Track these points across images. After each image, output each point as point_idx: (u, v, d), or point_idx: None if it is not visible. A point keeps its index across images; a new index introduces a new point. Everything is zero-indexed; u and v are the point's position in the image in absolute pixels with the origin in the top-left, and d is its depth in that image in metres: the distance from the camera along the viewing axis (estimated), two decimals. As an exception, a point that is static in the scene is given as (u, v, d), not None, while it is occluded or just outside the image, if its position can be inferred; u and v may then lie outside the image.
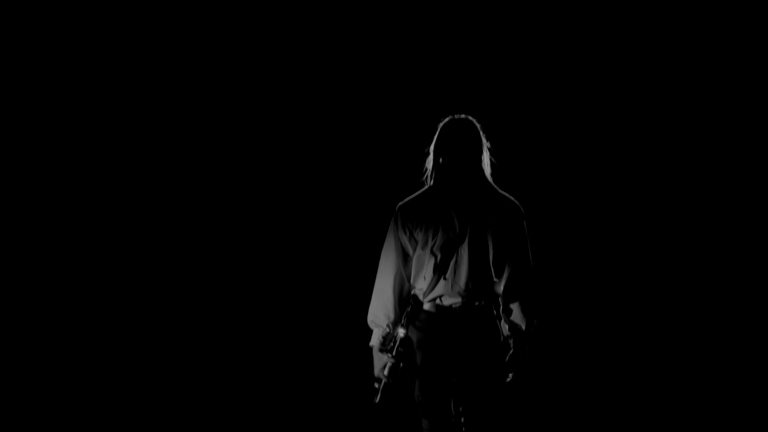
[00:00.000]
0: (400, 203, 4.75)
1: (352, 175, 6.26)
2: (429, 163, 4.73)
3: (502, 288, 4.68)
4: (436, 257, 4.64)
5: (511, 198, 4.73)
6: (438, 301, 4.66)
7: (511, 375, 4.59)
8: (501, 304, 4.68)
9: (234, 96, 6.06)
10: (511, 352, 4.62)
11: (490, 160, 4.73)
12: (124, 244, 5.89)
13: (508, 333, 4.67)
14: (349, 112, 6.21)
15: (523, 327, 4.65)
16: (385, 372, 4.58)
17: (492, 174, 4.72)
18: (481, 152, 4.69)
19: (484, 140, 4.70)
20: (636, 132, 6.09)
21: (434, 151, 4.72)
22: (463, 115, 4.73)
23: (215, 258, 6.03)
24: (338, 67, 6.16)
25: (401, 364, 4.56)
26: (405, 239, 4.70)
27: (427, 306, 4.68)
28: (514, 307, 4.67)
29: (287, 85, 6.11)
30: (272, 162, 6.11)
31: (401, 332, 4.60)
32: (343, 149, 6.25)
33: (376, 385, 4.60)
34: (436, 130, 4.74)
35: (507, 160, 4.82)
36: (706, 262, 5.95)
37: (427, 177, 4.75)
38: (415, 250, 4.69)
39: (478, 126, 4.71)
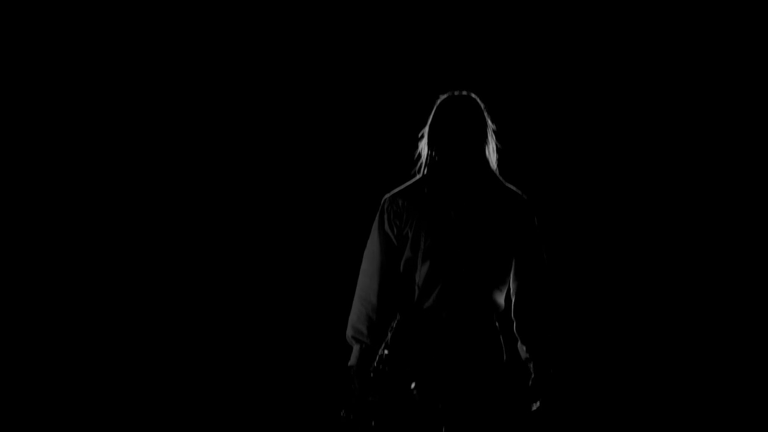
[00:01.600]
0: (387, 195, 4.09)
1: (335, 163, 5.81)
2: (423, 149, 4.07)
3: (514, 301, 4.05)
4: (430, 260, 3.97)
5: (518, 191, 4.07)
6: (431, 313, 3.99)
7: (537, 404, 3.95)
8: (514, 320, 4.04)
9: (215, 89, 5.79)
10: (532, 377, 3.97)
11: (496, 146, 4.07)
12: (110, 242, 5.77)
13: (527, 354, 4.00)
14: (331, 95, 5.81)
15: (545, 345, 3.98)
16: (356, 402, 3.95)
17: (498, 163, 4.09)
18: (485, 137, 4.02)
19: (489, 123, 4.04)
20: (646, 128, 5.82)
21: (429, 134, 4.06)
22: (464, 92, 4.08)
23: (206, 256, 5.81)
24: (320, 51, 5.81)
25: (378, 396, 3.89)
26: (393, 238, 4.02)
27: (418, 319, 4.00)
28: (531, 322, 4.01)
29: (268, 72, 5.81)
30: (259, 155, 5.83)
31: (387, 349, 3.94)
32: (325, 133, 5.85)
33: (343, 414, 3.94)
34: (432, 109, 4.10)
35: (513, 152, 4.28)
36: (709, 262, 5.77)
37: (420, 165, 4.10)
38: (404, 251, 4.01)
39: (482, 105, 4.06)
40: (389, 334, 3.94)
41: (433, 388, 3.91)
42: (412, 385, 3.83)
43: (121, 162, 5.75)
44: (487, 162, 4.07)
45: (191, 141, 5.80)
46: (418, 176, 4.10)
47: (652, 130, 5.77)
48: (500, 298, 4.03)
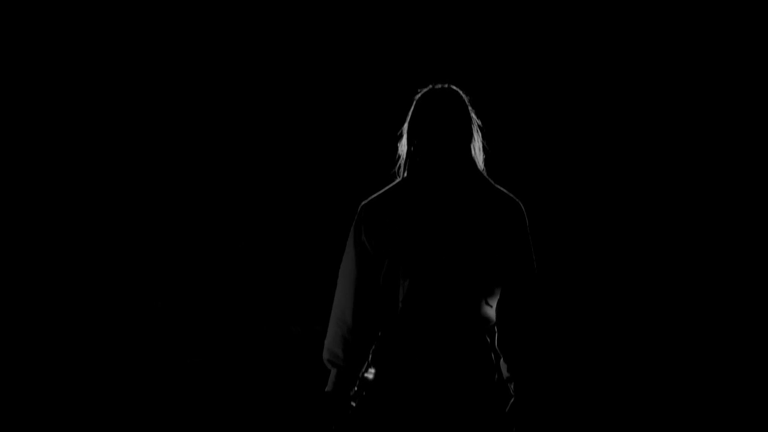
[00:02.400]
0: (364, 202, 3.77)
1: (311, 165, 5.75)
2: (402, 149, 3.78)
3: (500, 313, 3.71)
4: (413, 274, 3.67)
5: (510, 195, 3.74)
6: (415, 331, 3.67)
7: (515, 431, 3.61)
8: (497, 332, 3.71)
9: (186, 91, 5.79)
10: (512, 400, 3.65)
11: (483, 145, 3.76)
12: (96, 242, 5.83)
13: (508, 374, 3.68)
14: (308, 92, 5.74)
15: (528, 365, 3.65)
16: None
17: (486, 163, 3.78)
18: (470, 134, 3.73)
19: (474, 118, 3.74)
20: (637, 129, 5.81)
21: (408, 132, 3.76)
22: (446, 85, 3.77)
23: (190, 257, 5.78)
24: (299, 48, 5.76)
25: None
26: (370, 250, 3.69)
27: (401, 338, 3.68)
28: (515, 338, 3.67)
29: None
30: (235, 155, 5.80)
31: (369, 373, 3.64)
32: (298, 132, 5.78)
33: None
34: (411, 104, 3.80)
35: (502, 151, 4.10)
36: (705, 262, 5.86)
37: (399, 167, 3.80)
38: (384, 264, 3.69)
39: (466, 99, 3.76)
40: (370, 356, 3.68)
41: (419, 413, 3.60)
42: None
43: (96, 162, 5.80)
44: (473, 162, 3.76)
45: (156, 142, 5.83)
46: (397, 179, 3.79)
47: (645, 131, 5.81)
48: (490, 312, 3.70)
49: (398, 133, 3.79)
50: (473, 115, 3.77)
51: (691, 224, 5.87)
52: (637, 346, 5.83)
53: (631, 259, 5.84)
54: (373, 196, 3.75)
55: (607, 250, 5.83)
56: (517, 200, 3.75)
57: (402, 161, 3.77)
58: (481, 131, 3.76)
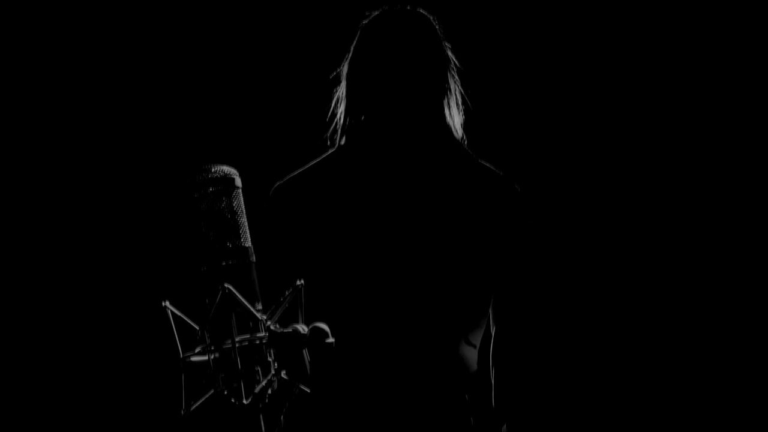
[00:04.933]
0: (278, 183, 2.64)
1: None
2: (339, 103, 2.67)
3: (491, 357, 2.60)
4: (355, 290, 2.47)
5: (501, 174, 2.67)
6: (358, 377, 2.45)
7: None
8: (492, 366, 2.61)
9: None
10: None
11: (462, 100, 2.67)
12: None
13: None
14: None
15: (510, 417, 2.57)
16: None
17: (465, 128, 2.67)
18: (444, 85, 2.63)
19: (451, 60, 2.66)
20: (637, 128, 5.34)
21: (349, 79, 2.64)
22: (407, 6, 2.67)
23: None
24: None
25: None
26: (289, 256, 2.50)
27: (341, 368, 2.43)
28: (512, 385, 2.56)
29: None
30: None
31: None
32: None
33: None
34: (354, 37, 2.68)
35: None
36: (705, 263, 5.41)
37: (333, 131, 2.67)
38: (310, 275, 2.30)
39: (439, 30, 2.69)
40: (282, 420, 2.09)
41: None
42: None
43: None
44: (447, 126, 2.63)
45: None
46: (330, 150, 2.64)
47: (646, 131, 5.38)
48: (471, 354, 2.53)
49: (331, 77, 2.69)
50: (450, 54, 2.68)
51: (691, 224, 5.43)
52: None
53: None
54: (293, 174, 2.62)
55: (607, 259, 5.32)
56: (512, 182, 2.63)
57: (338, 122, 2.65)
58: (459, 86, 2.68)
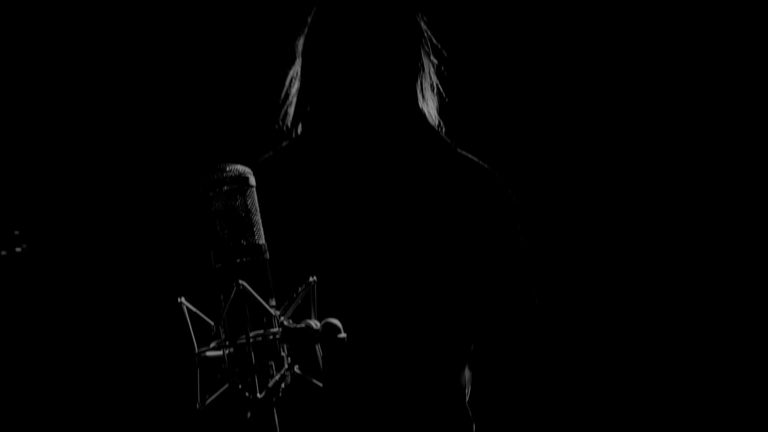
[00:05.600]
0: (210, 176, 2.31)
1: None
2: (293, 84, 2.34)
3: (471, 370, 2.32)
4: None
5: (486, 166, 2.36)
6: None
7: None
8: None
9: None
10: None
11: (437, 85, 2.34)
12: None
13: None
14: None
15: None
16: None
17: (441, 115, 2.37)
18: (416, 63, 2.29)
19: (426, 37, 2.32)
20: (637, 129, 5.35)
21: (305, 56, 2.31)
22: None
23: None
24: None
25: None
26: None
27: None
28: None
29: None
30: None
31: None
32: None
33: None
34: (310, 7, 2.36)
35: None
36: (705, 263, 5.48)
37: (285, 116, 2.35)
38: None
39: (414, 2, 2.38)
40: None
41: None
42: None
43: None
44: (420, 111, 2.30)
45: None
46: (284, 142, 2.37)
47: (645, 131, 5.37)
48: (462, 377, 2.28)
49: (286, 54, 2.36)
50: (425, 27, 2.33)
51: (690, 225, 5.43)
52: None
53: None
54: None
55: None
56: (496, 174, 2.33)
57: (291, 107, 2.34)
58: (434, 67, 2.33)
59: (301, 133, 2.33)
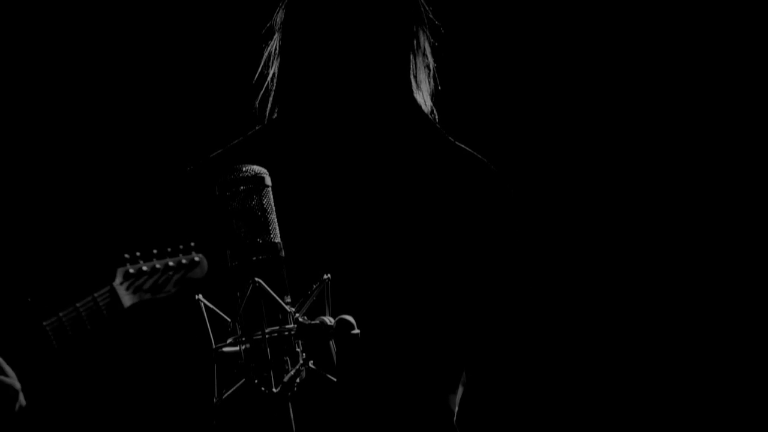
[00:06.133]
0: (191, 167, 2.23)
1: None
2: (272, 62, 2.13)
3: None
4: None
5: (479, 157, 2.18)
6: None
7: None
8: None
9: None
10: None
11: (432, 67, 2.14)
12: None
13: None
14: None
15: None
16: None
17: (433, 103, 2.16)
18: (410, 42, 2.08)
19: (424, 12, 2.11)
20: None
21: (285, 32, 2.09)
22: None
23: None
24: None
25: None
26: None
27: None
28: None
29: None
30: None
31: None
32: None
33: None
34: None
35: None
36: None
37: (263, 99, 2.16)
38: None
39: None
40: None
41: None
42: None
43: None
44: (412, 96, 2.09)
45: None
46: (257, 126, 2.20)
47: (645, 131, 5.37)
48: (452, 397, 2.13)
49: (263, 31, 2.13)
50: (422, 2, 2.10)
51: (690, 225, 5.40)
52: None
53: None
54: (212, 155, 2.20)
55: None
56: (492, 168, 2.16)
57: (269, 86, 2.13)
58: (428, 52, 2.09)
59: (277, 117, 2.13)
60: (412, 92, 2.11)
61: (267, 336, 1.88)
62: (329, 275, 1.90)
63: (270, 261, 1.89)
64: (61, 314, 3.40)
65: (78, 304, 3.51)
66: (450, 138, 2.18)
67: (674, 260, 5.42)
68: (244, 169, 1.90)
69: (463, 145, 2.19)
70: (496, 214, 2.14)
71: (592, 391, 5.34)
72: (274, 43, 2.11)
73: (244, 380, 1.90)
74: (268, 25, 2.14)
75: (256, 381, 1.88)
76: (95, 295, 3.53)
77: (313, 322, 1.88)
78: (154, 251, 3.65)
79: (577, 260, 5.17)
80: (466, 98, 3.64)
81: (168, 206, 2.42)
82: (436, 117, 2.18)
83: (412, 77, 2.10)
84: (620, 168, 5.38)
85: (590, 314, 5.27)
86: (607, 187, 5.35)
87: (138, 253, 3.77)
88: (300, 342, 1.88)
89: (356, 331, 1.89)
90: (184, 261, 3.65)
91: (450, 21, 2.34)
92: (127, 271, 3.62)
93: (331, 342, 1.88)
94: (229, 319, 1.92)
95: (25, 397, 2.85)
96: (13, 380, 2.46)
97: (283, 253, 1.91)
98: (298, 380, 1.89)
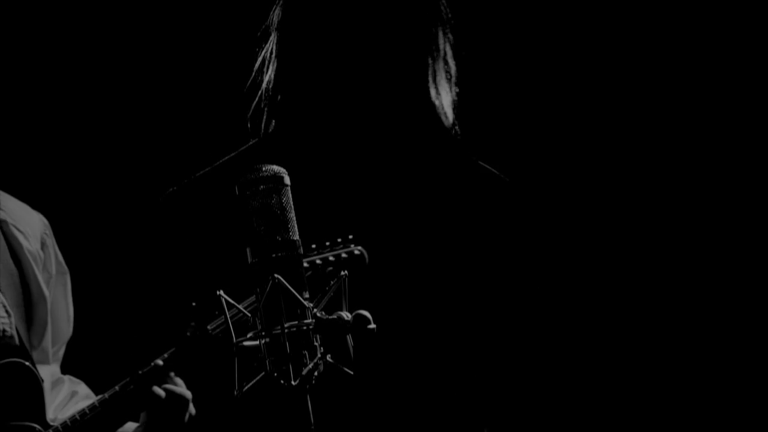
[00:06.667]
0: (173, 189, 2.08)
1: None
2: (267, 68, 1.89)
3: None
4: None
5: (505, 178, 2.00)
6: None
7: None
8: None
9: None
10: None
11: (454, 73, 1.90)
12: None
13: None
14: None
15: None
16: None
17: (459, 119, 1.93)
18: (430, 46, 1.83)
19: (445, 12, 1.88)
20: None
21: (283, 32, 1.85)
22: None
23: None
24: None
25: None
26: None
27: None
28: None
29: None
30: None
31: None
32: None
33: None
34: None
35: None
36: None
37: (256, 111, 1.95)
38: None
39: None
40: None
41: None
42: None
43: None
44: (433, 107, 1.86)
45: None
46: (251, 141, 2.03)
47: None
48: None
49: (258, 35, 1.90)
50: (446, 13, 1.85)
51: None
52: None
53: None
54: (197, 175, 2.06)
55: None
56: (521, 191, 1.97)
57: (263, 96, 1.90)
58: (452, 58, 1.84)
59: (274, 130, 1.90)
60: (431, 101, 1.86)
61: (286, 330, 1.93)
62: (346, 272, 1.95)
63: (289, 258, 1.94)
64: (227, 315, 3.24)
65: (242, 305, 3.38)
66: (474, 158, 1.93)
67: (674, 260, 5.40)
68: (264, 168, 1.94)
69: (488, 166, 1.95)
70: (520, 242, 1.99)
71: (592, 391, 5.37)
72: (270, 46, 1.87)
73: (263, 373, 1.95)
74: (263, 26, 1.91)
75: (275, 374, 1.93)
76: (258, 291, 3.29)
77: (330, 317, 1.94)
78: (313, 246, 3.48)
79: (577, 260, 5.23)
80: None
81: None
82: (458, 130, 1.92)
83: (431, 84, 1.86)
84: (620, 168, 5.38)
85: (591, 314, 5.29)
86: (607, 187, 5.36)
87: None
88: (318, 336, 1.93)
89: (372, 325, 1.95)
90: (344, 255, 3.48)
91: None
92: None
93: (348, 336, 1.93)
94: (249, 314, 1.97)
95: (195, 406, 2.67)
96: (183, 389, 2.34)
97: (301, 250, 1.95)
98: (316, 373, 1.93)
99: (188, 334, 2.44)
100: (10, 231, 2.41)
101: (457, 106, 1.90)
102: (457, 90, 1.91)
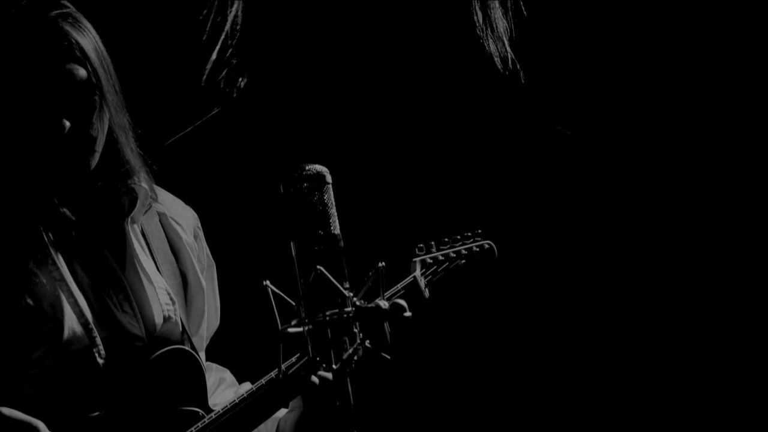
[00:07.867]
0: None
1: None
2: (223, 27, 1.76)
3: None
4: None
5: (564, 131, 1.99)
6: None
7: None
8: None
9: None
10: None
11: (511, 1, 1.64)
12: None
13: None
14: None
15: None
16: None
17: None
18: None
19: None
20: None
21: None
22: None
23: None
24: None
25: None
26: None
27: None
28: None
29: None
30: None
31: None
32: None
33: None
34: None
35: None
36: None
37: (212, 73, 1.87)
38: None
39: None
40: None
41: None
42: None
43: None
44: (479, 48, 1.57)
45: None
46: (214, 110, 2.06)
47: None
48: None
49: None
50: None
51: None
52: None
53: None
54: (167, 143, 2.14)
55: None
56: (579, 143, 1.90)
57: (227, 43, 1.74)
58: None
59: (241, 94, 1.70)
60: (479, 37, 1.51)
61: (327, 318, 2.07)
62: (383, 263, 2.09)
63: (330, 250, 2.08)
64: (274, 304, 3.26)
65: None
66: (544, 116, 1.65)
67: (674, 260, 5.23)
68: (307, 167, 2.09)
69: (560, 128, 1.68)
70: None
71: (591, 391, 5.35)
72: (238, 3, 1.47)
73: (306, 358, 2.09)
74: None
75: (317, 359, 2.08)
76: (399, 286, 3.26)
77: (369, 305, 2.08)
78: (445, 239, 3.41)
79: (578, 260, 5.30)
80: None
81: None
82: (522, 75, 1.59)
83: (477, 15, 1.50)
84: (620, 168, 5.35)
85: (590, 314, 5.31)
86: (607, 188, 5.34)
87: (432, 243, 3.52)
88: (357, 323, 2.07)
89: (408, 313, 2.09)
90: (475, 248, 3.42)
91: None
92: (424, 261, 3.34)
93: (385, 324, 2.08)
94: (293, 303, 2.10)
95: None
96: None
97: (342, 244, 2.09)
98: (355, 358, 2.07)
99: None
100: (169, 223, 2.58)
101: (512, 38, 1.52)
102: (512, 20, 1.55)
